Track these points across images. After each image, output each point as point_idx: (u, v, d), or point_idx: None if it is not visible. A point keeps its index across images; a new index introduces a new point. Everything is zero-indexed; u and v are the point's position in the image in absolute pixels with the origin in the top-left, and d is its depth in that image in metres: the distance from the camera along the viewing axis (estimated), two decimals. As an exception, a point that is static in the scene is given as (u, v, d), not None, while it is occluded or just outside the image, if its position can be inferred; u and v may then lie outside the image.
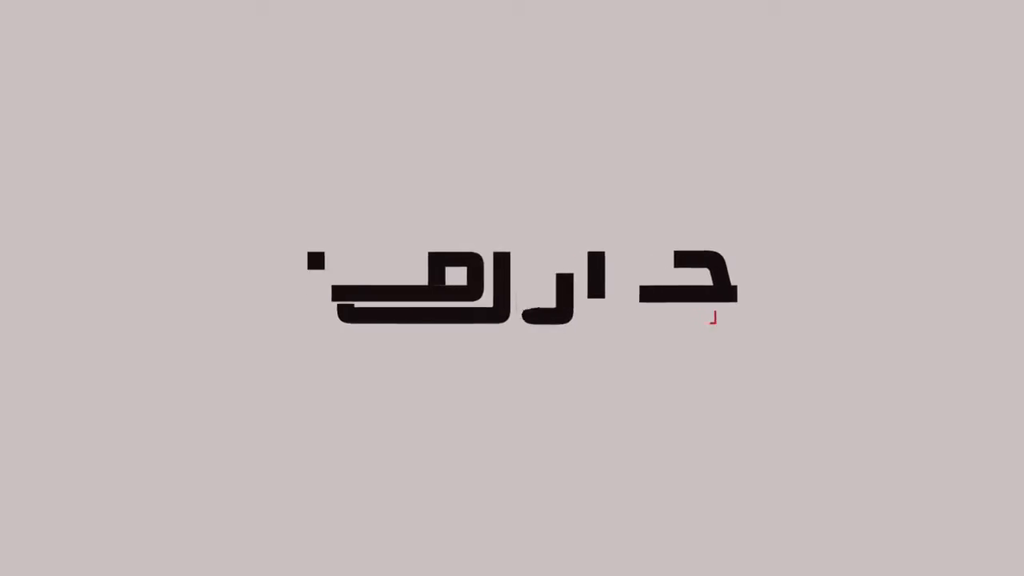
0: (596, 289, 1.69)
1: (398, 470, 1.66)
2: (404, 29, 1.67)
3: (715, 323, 1.67)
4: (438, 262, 1.69)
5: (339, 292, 1.69)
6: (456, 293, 1.69)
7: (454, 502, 1.66)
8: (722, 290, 1.68)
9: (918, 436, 1.67)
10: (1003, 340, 1.65)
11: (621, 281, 1.68)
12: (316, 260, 1.68)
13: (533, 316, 1.69)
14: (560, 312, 1.69)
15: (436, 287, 1.69)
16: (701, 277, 1.69)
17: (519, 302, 1.69)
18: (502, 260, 1.69)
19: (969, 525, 1.65)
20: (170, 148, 1.62)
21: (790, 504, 1.66)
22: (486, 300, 1.69)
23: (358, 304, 1.68)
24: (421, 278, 1.68)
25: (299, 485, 1.65)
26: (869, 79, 1.66)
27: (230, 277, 1.65)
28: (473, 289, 1.69)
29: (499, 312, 1.69)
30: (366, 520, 1.66)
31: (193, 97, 1.61)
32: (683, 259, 1.69)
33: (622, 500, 1.67)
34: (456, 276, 1.69)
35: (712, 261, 1.69)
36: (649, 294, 1.70)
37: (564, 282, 1.70)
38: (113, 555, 1.62)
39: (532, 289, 1.69)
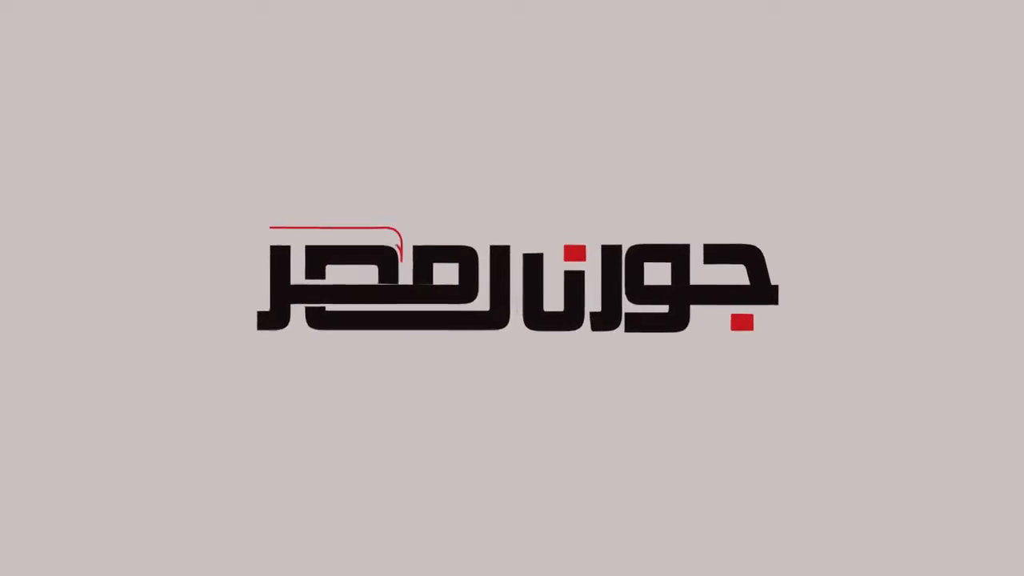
0: (611, 289, 1.61)
1: (379, 501, 1.59)
2: (398, 18, 1.63)
3: (752, 329, 1.60)
4: (425, 257, 1.62)
5: (307, 293, 1.62)
6: (446, 294, 1.62)
7: (444, 539, 1.59)
8: (761, 291, 1.60)
9: (990, 467, 1.59)
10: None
11: (640, 280, 1.61)
12: (280, 256, 1.61)
13: (537, 321, 1.62)
14: (569, 316, 1.61)
15: (422, 287, 1.61)
16: (736, 275, 1.61)
17: (520, 304, 1.62)
18: (500, 255, 1.63)
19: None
20: (159, 144, 1.61)
21: (838, 537, 1.59)
22: (481, 302, 1.62)
23: (330, 307, 1.60)
24: (405, 276, 1.61)
25: (265, 519, 1.59)
26: (897, 65, 1.62)
27: (179, 273, 1.60)
28: (466, 289, 1.62)
29: (497, 316, 1.62)
30: (340, 561, 1.59)
31: (189, 94, 1.61)
32: (714, 254, 1.60)
33: (648, 546, 1.60)
34: (446, 274, 1.62)
35: (749, 257, 1.60)
36: (674, 295, 1.61)
37: (574, 281, 1.62)
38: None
39: (535, 289, 1.62)
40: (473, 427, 1.60)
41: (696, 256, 1.61)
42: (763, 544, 1.59)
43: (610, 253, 1.62)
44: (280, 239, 1.61)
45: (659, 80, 1.62)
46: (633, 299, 1.62)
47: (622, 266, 1.62)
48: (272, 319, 1.59)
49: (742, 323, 1.60)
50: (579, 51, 1.63)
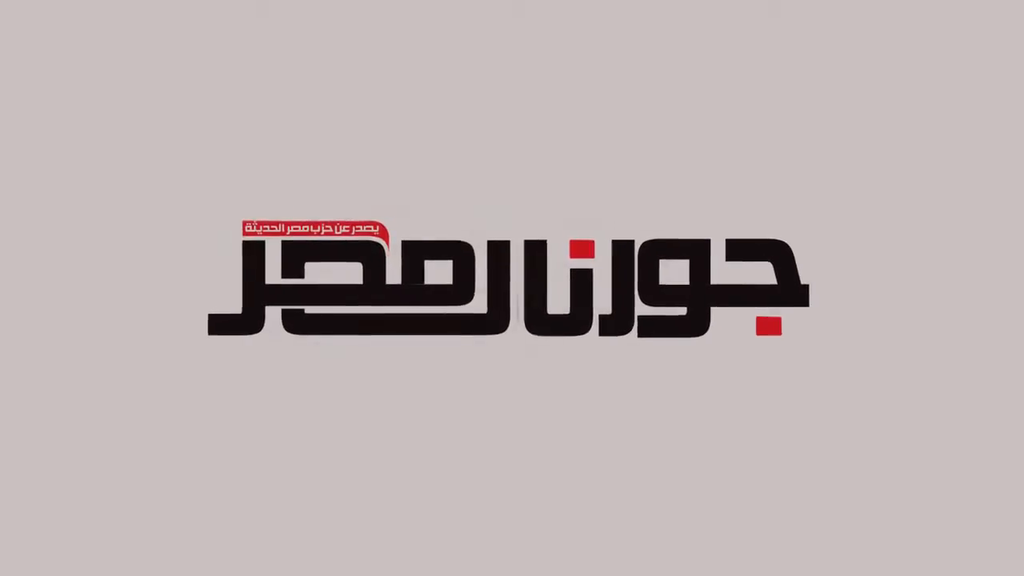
0: (623, 290, 1.55)
1: (363, 526, 1.53)
2: (396, 16, 1.63)
3: (780, 334, 1.54)
4: (415, 254, 1.56)
5: (283, 293, 1.55)
6: (439, 295, 1.56)
7: (431, 565, 1.53)
8: (789, 291, 1.54)
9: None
10: None
11: (655, 279, 1.55)
12: (254, 252, 1.55)
13: (540, 324, 1.56)
14: (576, 319, 1.55)
15: (412, 287, 1.55)
16: (762, 274, 1.55)
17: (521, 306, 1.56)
18: (499, 252, 1.57)
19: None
20: (139, 138, 1.59)
21: (868, 554, 1.53)
22: (478, 304, 1.56)
23: (309, 309, 1.54)
24: (393, 276, 1.55)
25: (235, 538, 1.53)
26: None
27: (147, 272, 1.56)
28: (462, 290, 1.56)
29: (495, 320, 1.55)
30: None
31: (190, 94, 1.60)
32: (738, 250, 1.55)
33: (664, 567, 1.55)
34: (439, 272, 1.56)
35: (776, 253, 1.54)
36: (693, 295, 1.54)
37: (581, 279, 1.56)
38: None
39: (538, 289, 1.57)
40: (469, 442, 1.54)
41: (717, 252, 1.55)
42: (790, 568, 1.53)
43: (621, 249, 1.55)
44: (254, 234, 1.55)
45: (675, 62, 1.57)
46: (647, 300, 1.55)
47: (635, 263, 1.56)
48: (241, 323, 1.53)
49: (769, 327, 1.54)
50: (585, 32, 1.60)
